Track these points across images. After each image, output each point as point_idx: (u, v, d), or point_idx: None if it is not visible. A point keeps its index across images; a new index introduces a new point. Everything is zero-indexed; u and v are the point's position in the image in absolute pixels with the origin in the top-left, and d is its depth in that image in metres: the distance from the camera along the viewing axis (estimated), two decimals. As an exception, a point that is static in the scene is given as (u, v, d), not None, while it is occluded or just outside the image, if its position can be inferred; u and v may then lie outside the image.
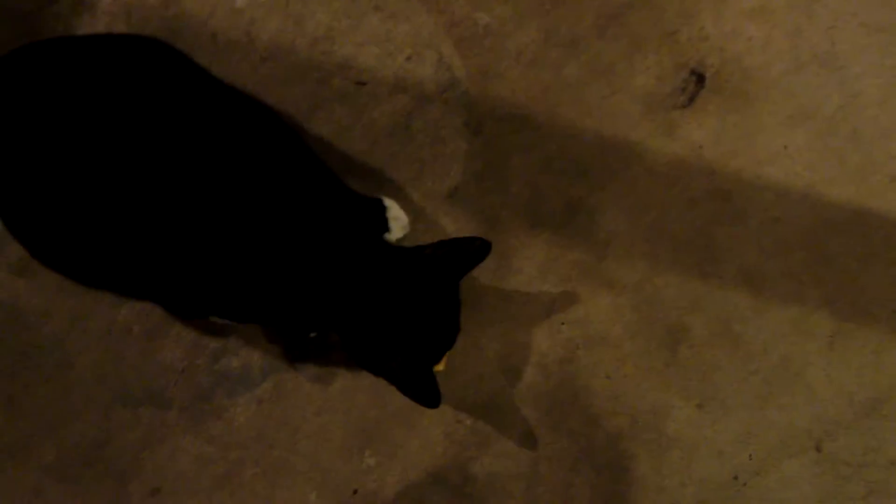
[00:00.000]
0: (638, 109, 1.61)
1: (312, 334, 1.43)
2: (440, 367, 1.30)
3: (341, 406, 1.58)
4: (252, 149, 1.17)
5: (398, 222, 1.49)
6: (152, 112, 1.08)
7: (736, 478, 1.58)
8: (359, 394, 1.58)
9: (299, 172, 1.27)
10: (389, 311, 1.23)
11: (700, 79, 1.56)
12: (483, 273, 1.60)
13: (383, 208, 1.47)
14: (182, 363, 1.59)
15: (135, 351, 1.59)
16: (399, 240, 1.52)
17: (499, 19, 1.62)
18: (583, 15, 1.61)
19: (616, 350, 1.60)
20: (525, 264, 1.62)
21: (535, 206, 1.63)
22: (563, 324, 1.61)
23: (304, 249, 1.19)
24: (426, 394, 1.19)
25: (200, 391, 1.59)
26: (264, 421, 1.59)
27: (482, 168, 1.63)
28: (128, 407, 1.58)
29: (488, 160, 1.63)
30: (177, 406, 1.59)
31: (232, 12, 1.59)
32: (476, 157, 1.63)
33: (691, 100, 1.60)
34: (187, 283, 1.16)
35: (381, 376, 1.26)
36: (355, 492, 1.56)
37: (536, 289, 1.61)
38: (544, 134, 1.62)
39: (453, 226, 1.64)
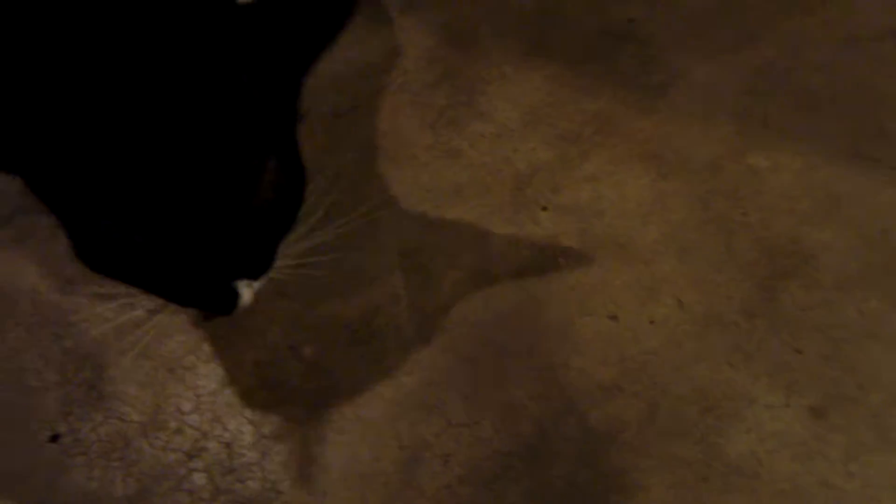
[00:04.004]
0: None
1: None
2: None
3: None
4: None
5: None
6: None
7: None
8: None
9: None
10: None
11: None
12: (417, 109, 0.89)
13: None
14: None
15: None
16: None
17: None
18: None
19: (642, 271, 0.74)
20: (499, 107, 0.87)
21: (544, 26, 0.92)
22: (544, 209, 0.80)
23: None
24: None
25: None
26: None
27: (471, -33, 0.98)
28: None
29: (485, -43, 0.98)
30: None
31: None
32: (466, -48, 0.99)
33: None
34: None
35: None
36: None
37: (510, 147, 0.85)
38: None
39: (402, 37, 0.96)
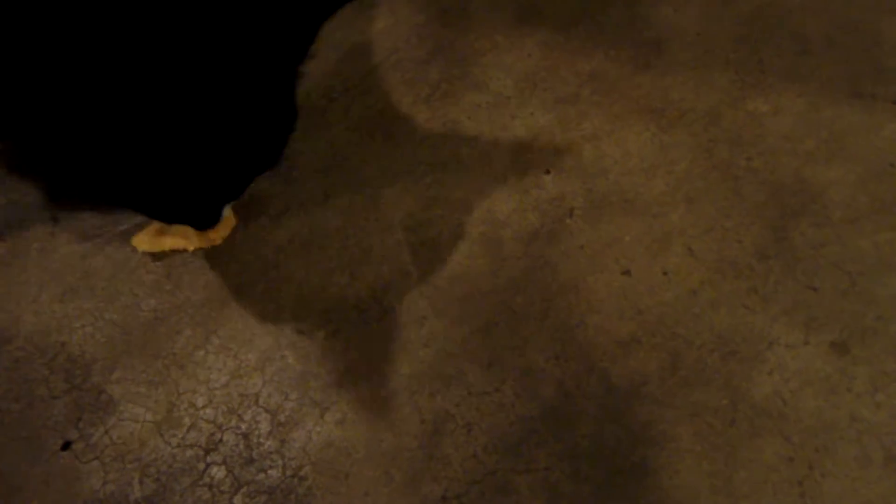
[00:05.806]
0: None
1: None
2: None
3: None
4: None
5: None
6: None
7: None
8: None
9: None
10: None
11: None
12: (411, 86, 0.88)
13: None
14: None
15: None
16: None
17: None
18: None
19: (651, 224, 0.73)
20: (494, 76, 0.86)
21: (531, -9, 0.91)
22: (547, 172, 0.79)
23: None
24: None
25: None
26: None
27: (453, -60, 0.97)
28: None
29: (467, -70, 0.97)
30: None
31: None
32: (448, -73, 0.97)
33: None
34: None
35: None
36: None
37: (508, 114, 0.83)
38: None
39: (389, 15, 0.95)
